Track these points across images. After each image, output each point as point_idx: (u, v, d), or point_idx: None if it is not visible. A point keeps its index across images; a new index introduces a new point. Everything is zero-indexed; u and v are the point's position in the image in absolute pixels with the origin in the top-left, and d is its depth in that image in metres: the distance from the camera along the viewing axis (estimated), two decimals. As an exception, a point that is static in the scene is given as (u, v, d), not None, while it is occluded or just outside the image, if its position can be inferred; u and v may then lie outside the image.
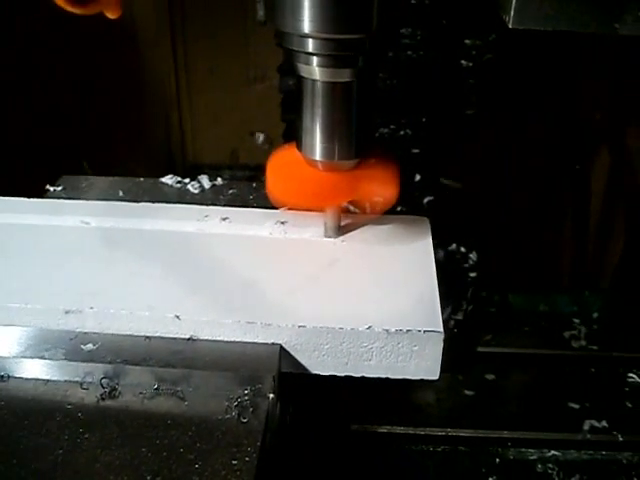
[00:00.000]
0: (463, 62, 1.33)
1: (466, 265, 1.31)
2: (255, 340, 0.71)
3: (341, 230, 0.84)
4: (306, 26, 0.70)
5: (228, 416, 0.67)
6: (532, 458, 0.98)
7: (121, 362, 0.69)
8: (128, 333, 0.72)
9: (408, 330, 0.69)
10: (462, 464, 0.96)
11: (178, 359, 0.70)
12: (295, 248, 0.79)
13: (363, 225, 0.84)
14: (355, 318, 0.71)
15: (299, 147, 0.82)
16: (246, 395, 0.68)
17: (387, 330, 0.69)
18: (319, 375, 0.76)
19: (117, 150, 1.91)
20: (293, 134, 1.37)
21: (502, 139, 1.72)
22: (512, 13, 0.62)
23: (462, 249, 1.34)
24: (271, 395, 0.68)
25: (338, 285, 0.75)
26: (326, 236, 0.84)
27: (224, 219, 0.83)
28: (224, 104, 1.83)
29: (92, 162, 1.86)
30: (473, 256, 1.33)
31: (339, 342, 0.70)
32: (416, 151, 1.38)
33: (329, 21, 0.69)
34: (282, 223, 0.83)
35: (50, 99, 1.81)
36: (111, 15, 0.76)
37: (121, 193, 0.94)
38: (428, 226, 0.85)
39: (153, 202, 0.91)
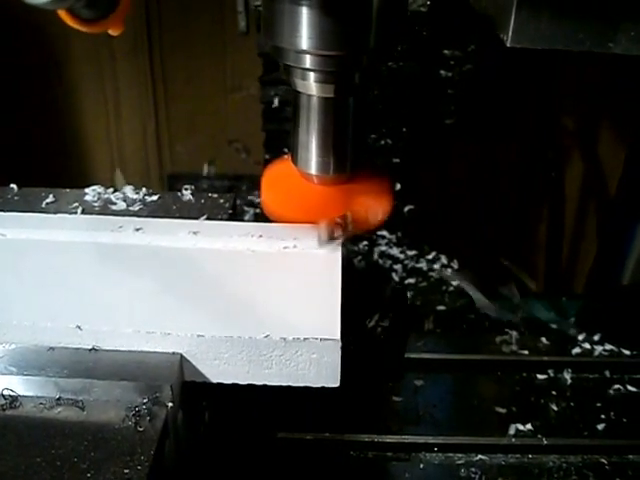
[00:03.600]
0: (442, 72, 1.34)
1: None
2: (156, 349, 0.72)
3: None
4: (304, 42, 0.70)
5: (125, 425, 0.67)
6: (459, 463, 0.99)
7: (23, 373, 0.70)
8: (33, 344, 0.73)
9: (305, 338, 0.70)
10: (387, 470, 0.97)
11: (80, 369, 0.71)
12: (204, 258, 0.80)
13: (277, 235, 0.85)
14: (255, 327, 0.72)
15: (294, 161, 0.83)
16: (144, 404, 0.69)
17: (284, 338, 0.71)
18: (241, 385, 0.77)
19: (94, 159, 1.93)
20: (274, 144, 1.40)
21: (480, 149, 1.75)
22: (510, 33, 0.63)
23: (443, 258, 1.37)
24: (170, 404, 0.69)
25: (242, 295, 0.76)
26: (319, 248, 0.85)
27: (138, 230, 0.84)
28: (201, 114, 1.84)
29: (64, 171, 1.89)
30: (454, 264, 1.35)
31: (238, 351, 0.71)
32: (396, 161, 1.40)
33: (328, 38, 0.69)
34: (194, 233, 0.84)
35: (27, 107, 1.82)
36: (114, 32, 0.76)
37: (44, 205, 0.94)
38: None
39: (75, 213, 0.91)
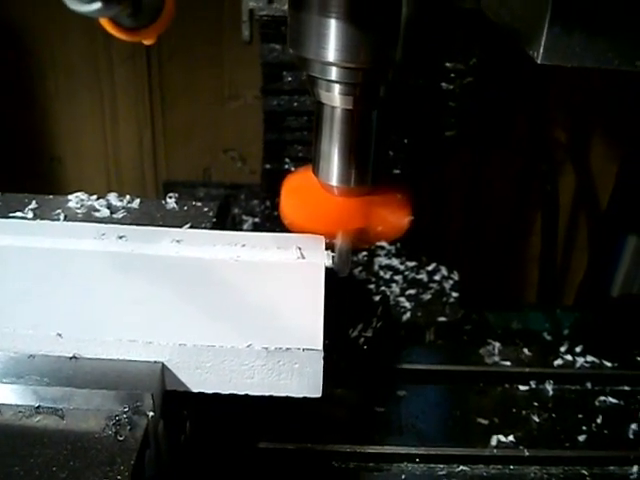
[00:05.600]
0: (444, 85, 1.35)
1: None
2: (138, 358, 0.71)
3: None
4: (330, 54, 0.70)
5: (105, 434, 0.67)
6: (441, 473, 0.99)
7: (2, 381, 0.69)
8: (12, 351, 0.72)
9: (287, 348, 0.70)
10: (369, 480, 0.97)
11: (60, 377, 0.70)
12: (187, 267, 0.80)
13: (260, 244, 0.85)
14: (237, 336, 0.71)
15: (315, 171, 0.82)
16: (125, 413, 0.68)
17: (267, 348, 0.70)
18: (223, 394, 0.76)
19: (90, 165, 1.92)
20: (274, 154, 1.40)
21: (476, 161, 1.76)
22: (541, 50, 0.63)
23: (443, 270, 1.37)
24: (151, 413, 0.68)
25: (225, 304, 0.76)
26: (335, 265, 0.84)
27: (121, 237, 0.84)
28: (198, 122, 1.84)
29: (58, 178, 1.87)
30: (455, 276, 1.35)
31: (220, 360, 0.71)
32: (397, 172, 1.40)
33: (354, 50, 0.69)
34: (178, 242, 0.84)
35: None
36: (148, 42, 0.76)
37: (29, 211, 0.94)
38: (322, 244, 0.86)
39: (58, 219, 0.91)
